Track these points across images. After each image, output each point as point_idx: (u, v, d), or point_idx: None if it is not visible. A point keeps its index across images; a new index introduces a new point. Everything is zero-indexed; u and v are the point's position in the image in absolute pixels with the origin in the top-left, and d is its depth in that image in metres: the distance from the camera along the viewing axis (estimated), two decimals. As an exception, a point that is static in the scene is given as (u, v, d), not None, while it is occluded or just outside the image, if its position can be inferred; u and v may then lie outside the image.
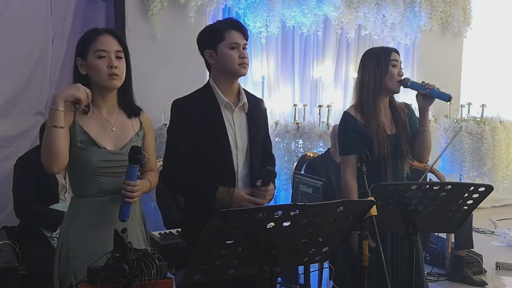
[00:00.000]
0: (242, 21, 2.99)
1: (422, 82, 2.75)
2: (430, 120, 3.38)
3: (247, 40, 2.49)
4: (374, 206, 2.03)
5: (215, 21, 2.61)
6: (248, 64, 2.46)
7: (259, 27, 5.24)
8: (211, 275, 1.77)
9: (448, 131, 5.65)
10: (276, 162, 2.79)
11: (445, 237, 4.59)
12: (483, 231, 5.93)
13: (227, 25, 2.46)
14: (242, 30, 2.47)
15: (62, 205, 3.33)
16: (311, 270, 3.75)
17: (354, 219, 1.96)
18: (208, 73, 2.57)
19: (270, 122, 2.72)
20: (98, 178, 2.15)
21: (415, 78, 5.68)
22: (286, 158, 4.94)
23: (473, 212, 2.48)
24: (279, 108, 5.58)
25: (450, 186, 2.26)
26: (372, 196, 2.14)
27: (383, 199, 2.21)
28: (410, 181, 2.81)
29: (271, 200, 2.49)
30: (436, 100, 2.74)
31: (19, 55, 4.40)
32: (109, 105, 2.22)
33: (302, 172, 4.40)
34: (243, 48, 2.44)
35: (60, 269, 2.17)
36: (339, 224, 1.90)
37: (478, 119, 5.77)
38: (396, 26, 6.04)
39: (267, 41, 5.43)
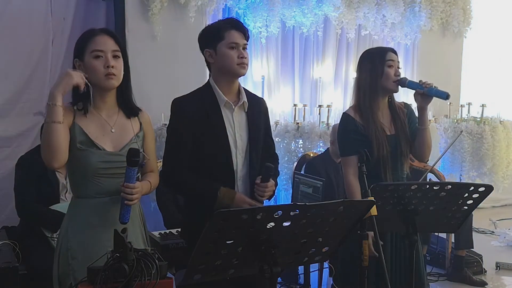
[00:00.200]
0: (242, 21, 2.98)
1: (420, 81, 2.75)
2: (430, 120, 3.38)
3: (247, 40, 2.48)
4: (374, 206, 2.03)
5: (217, 21, 2.60)
6: (247, 64, 2.45)
7: (259, 27, 5.24)
8: (211, 275, 1.77)
9: (448, 131, 5.66)
10: (277, 162, 2.78)
11: (445, 237, 4.59)
12: (483, 231, 5.93)
13: (227, 24, 2.46)
14: (243, 30, 2.46)
15: (62, 205, 3.32)
16: (311, 270, 3.76)
17: (354, 219, 1.96)
18: (208, 72, 2.57)
19: (270, 122, 2.71)
20: (97, 179, 2.14)
21: (415, 78, 5.67)
22: (286, 158, 4.94)
23: (473, 212, 2.48)
24: (279, 108, 5.58)
25: (450, 186, 2.26)
26: (372, 196, 2.14)
27: (383, 199, 2.21)
28: (410, 181, 2.81)
29: (272, 196, 2.48)
30: (437, 100, 2.75)
31: (19, 55, 4.40)
32: (109, 106, 2.22)
33: (302, 172, 4.40)
34: (243, 48, 2.43)
35: (59, 270, 2.17)
36: (339, 224, 1.90)
37: (478, 119, 5.78)
38: (396, 26, 6.03)
39: (267, 41, 5.42)
